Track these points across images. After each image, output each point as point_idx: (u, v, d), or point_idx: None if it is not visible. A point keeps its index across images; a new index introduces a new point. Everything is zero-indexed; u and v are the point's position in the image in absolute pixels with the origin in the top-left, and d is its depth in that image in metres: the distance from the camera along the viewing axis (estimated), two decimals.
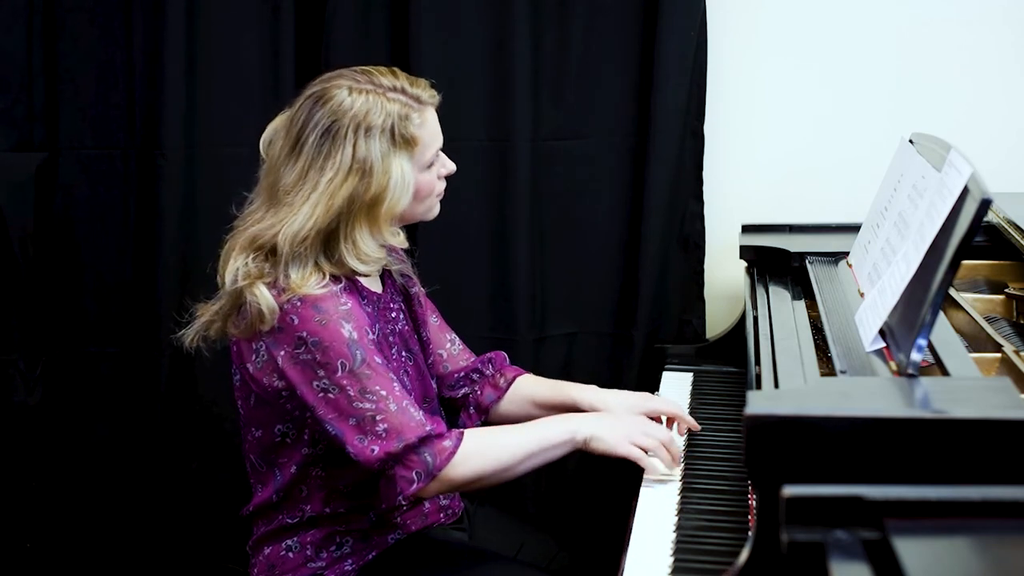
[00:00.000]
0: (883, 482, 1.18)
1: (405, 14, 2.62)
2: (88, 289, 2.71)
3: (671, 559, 1.67)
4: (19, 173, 2.63)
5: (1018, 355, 1.71)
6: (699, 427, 2.07)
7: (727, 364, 2.49)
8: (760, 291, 2.27)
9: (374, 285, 1.99)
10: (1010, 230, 2.13)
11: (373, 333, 1.89)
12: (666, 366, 2.55)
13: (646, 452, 1.90)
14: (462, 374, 2.15)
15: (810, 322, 2.02)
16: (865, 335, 1.72)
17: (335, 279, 1.85)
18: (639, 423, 1.95)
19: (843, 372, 1.65)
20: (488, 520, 2.14)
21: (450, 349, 2.15)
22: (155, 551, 2.77)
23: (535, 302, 2.73)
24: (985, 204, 1.46)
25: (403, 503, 1.83)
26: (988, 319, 1.92)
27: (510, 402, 2.14)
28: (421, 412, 1.83)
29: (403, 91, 1.89)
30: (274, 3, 2.62)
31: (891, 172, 2.09)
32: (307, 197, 1.83)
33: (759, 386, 1.83)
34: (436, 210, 1.99)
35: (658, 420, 2.07)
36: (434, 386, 2.08)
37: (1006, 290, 2.11)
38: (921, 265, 1.58)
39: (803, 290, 2.23)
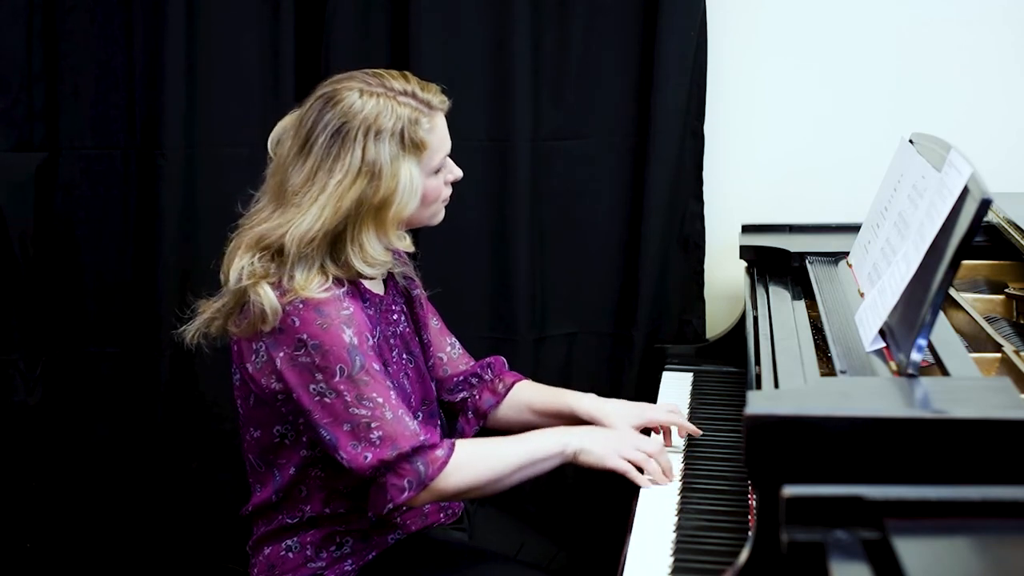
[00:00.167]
0: (883, 482, 1.18)
1: (405, 14, 2.62)
2: (88, 289, 2.71)
3: (671, 559, 1.67)
4: (19, 173, 2.63)
5: (1018, 355, 1.71)
6: (700, 432, 2.06)
7: (727, 364, 2.49)
8: (760, 291, 2.27)
9: (376, 287, 1.99)
10: (1010, 230, 2.13)
11: (373, 338, 1.88)
12: (666, 366, 2.55)
13: (638, 467, 1.90)
14: (461, 378, 2.15)
15: (810, 322, 2.02)
16: (865, 335, 1.72)
17: (338, 282, 1.85)
18: (629, 436, 1.96)
19: (843, 372, 1.65)
20: (488, 520, 2.14)
21: (450, 353, 2.15)
22: (155, 551, 2.77)
23: (535, 302, 2.73)
24: (985, 204, 1.46)
25: (392, 511, 1.82)
26: (988, 319, 1.92)
27: (508, 408, 2.14)
28: (416, 422, 1.83)
29: (414, 95, 1.88)
30: (274, 3, 2.62)
31: (891, 172, 2.09)
32: (315, 198, 1.83)
33: (759, 386, 1.83)
34: (441, 215, 1.99)
35: (657, 430, 2.07)
36: (434, 389, 2.08)
37: (1006, 290, 2.11)
38: (921, 265, 1.58)
39: (803, 290, 2.23)
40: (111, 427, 2.75)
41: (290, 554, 1.94)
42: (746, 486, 1.84)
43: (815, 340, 1.93)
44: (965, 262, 1.93)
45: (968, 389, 1.43)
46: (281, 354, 1.81)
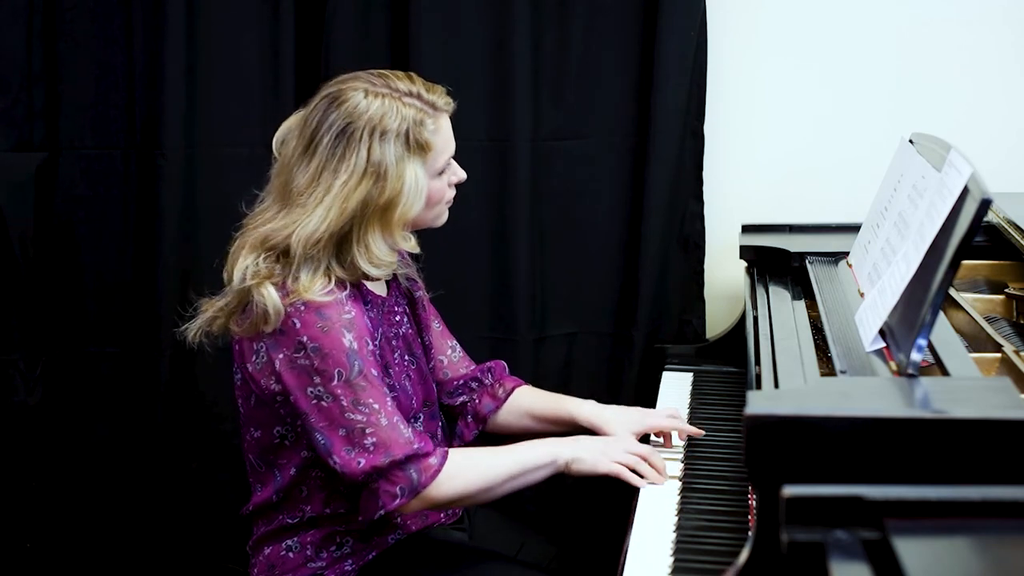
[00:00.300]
0: (883, 482, 1.18)
1: (405, 14, 2.62)
2: (88, 289, 2.71)
3: (671, 559, 1.67)
4: (19, 173, 2.63)
5: (1018, 355, 1.71)
6: (703, 433, 2.06)
7: (727, 364, 2.49)
8: (760, 291, 2.27)
9: (379, 288, 1.99)
10: (1010, 230, 2.13)
11: (374, 342, 1.89)
12: (666, 366, 2.55)
13: (631, 469, 1.91)
14: (461, 382, 2.15)
15: (810, 322, 2.02)
16: (865, 335, 1.72)
17: (341, 285, 1.85)
18: (619, 441, 1.97)
19: (843, 372, 1.65)
20: (488, 520, 2.14)
21: (451, 356, 2.15)
22: (155, 551, 2.76)
23: (535, 302, 2.73)
24: (985, 204, 1.46)
25: (383, 518, 1.82)
26: (988, 319, 1.92)
27: (507, 413, 2.15)
28: (410, 430, 1.83)
29: (419, 96, 1.88)
30: (274, 3, 2.62)
31: (891, 172, 2.09)
32: (320, 199, 1.82)
33: (759, 386, 1.83)
34: (444, 217, 1.99)
35: (658, 434, 2.07)
36: (436, 390, 2.08)
37: (1006, 290, 2.11)
38: (921, 265, 1.58)
39: (803, 290, 2.23)
40: (111, 427, 2.75)
41: (290, 554, 1.94)
42: (746, 486, 1.84)
43: (815, 340, 1.93)
44: (965, 262, 1.93)
45: (968, 389, 1.43)
46: (281, 355, 1.81)
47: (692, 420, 2.19)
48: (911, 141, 2.05)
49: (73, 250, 2.70)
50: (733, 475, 1.93)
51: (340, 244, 1.85)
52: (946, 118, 2.59)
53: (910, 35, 2.67)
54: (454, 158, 1.97)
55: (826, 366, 1.83)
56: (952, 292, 1.95)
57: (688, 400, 2.34)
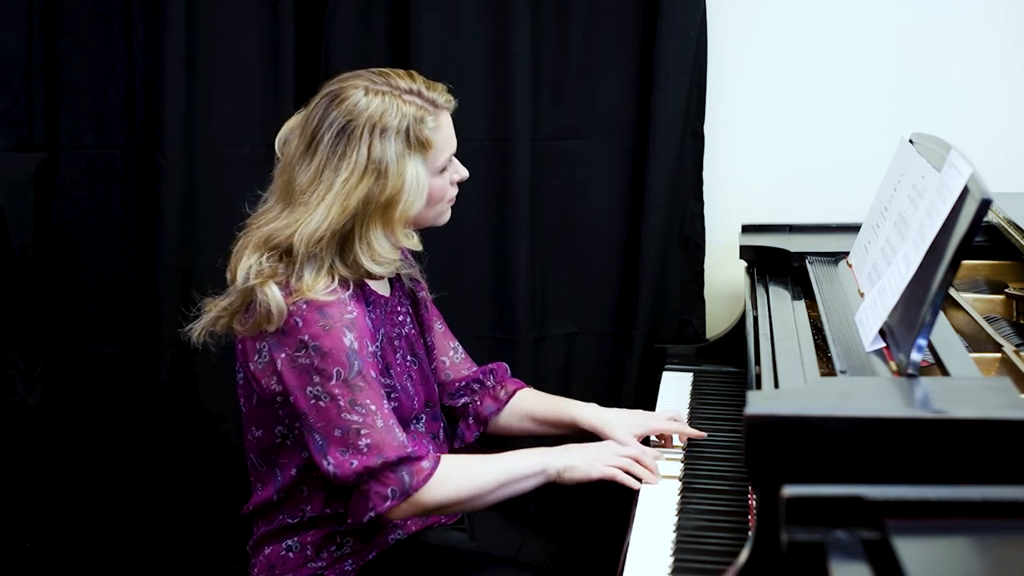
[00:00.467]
0: (883, 482, 1.18)
1: (405, 14, 2.62)
2: (88, 289, 2.71)
3: (671, 559, 1.67)
4: (19, 173, 2.63)
5: (1018, 355, 1.71)
6: (705, 435, 2.06)
7: (727, 364, 2.49)
8: (760, 291, 2.27)
9: (382, 288, 1.99)
10: (1010, 230, 2.13)
11: (375, 344, 1.89)
12: (666, 366, 2.55)
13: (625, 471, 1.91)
14: (463, 384, 2.15)
15: (810, 322, 2.02)
16: (865, 335, 1.72)
17: (344, 285, 1.85)
18: (608, 445, 1.97)
19: (843, 372, 1.65)
20: (488, 520, 2.14)
21: (452, 357, 2.15)
22: (155, 551, 2.76)
23: (535, 302, 2.73)
24: (985, 204, 1.46)
25: (372, 521, 1.82)
26: (988, 319, 1.92)
27: (509, 415, 2.15)
28: (405, 434, 1.83)
29: (419, 94, 1.88)
30: (274, 3, 2.62)
31: (891, 172, 2.09)
32: (322, 197, 1.83)
33: (759, 386, 1.83)
34: (447, 216, 1.99)
35: (660, 436, 2.07)
36: (437, 391, 2.08)
37: (1006, 290, 2.11)
38: (921, 265, 1.58)
39: (803, 290, 2.23)
40: (111, 427, 2.75)
41: (290, 554, 1.94)
42: (746, 486, 1.84)
43: (815, 340, 1.93)
44: (965, 262, 1.93)
45: (968, 389, 1.43)
46: (283, 355, 1.81)
47: (692, 420, 2.19)
48: (911, 141, 2.05)
49: (73, 250, 2.70)
50: (733, 475, 1.93)
51: (343, 242, 1.85)
52: (946, 118, 2.59)
53: (910, 35, 2.67)
54: (456, 156, 1.97)
55: (826, 366, 1.83)
56: (952, 292, 1.95)
57: (688, 400, 2.34)
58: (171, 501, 2.74)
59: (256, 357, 1.86)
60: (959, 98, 2.66)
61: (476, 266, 2.71)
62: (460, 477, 1.84)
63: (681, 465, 1.98)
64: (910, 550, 1.07)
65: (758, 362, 1.91)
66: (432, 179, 1.90)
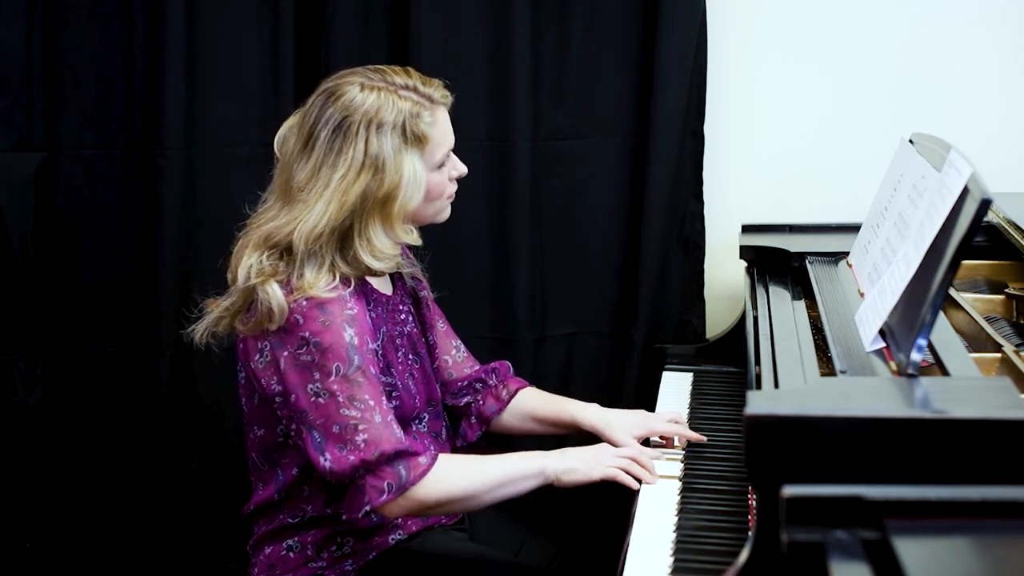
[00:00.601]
0: (883, 482, 1.18)
1: (405, 14, 2.62)
2: (88, 289, 2.71)
3: (671, 559, 1.67)
4: (19, 173, 2.63)
5: (1018, 355, 1.71)
6: (705, 439, 2.06)
7: (727, 364, 2.49)
8: (760, 291, 2.27)
9: (384, 287, 1.99)
10: (1010, 230, 2.13)
11: (376, 342, 1.89)
12: (666, 366, 2.55)
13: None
14: (465, 383, 2.15)
15: (810, 322, 2.02)
16: (865, 335, 1.72)
17: (345, 282, 1.85)
18: (605, 447, 1.97)
19: (843, 372, 1.65)
20: (488, 521, 2.14)
21: (455, 356, 2.15)
22: (155, 551, 2.76)
23: (535, 302, 2.73)
24: (985, 204, 1.46)
25: (368, 516, 1.81)
26: (988, 319, 1.92)
27: (510, 415, 2.15)
28: (402, 432, 1.82)
29: (415, 89, 1.89)
30: (274, 3, 2.62)
31: (891, 172, 2.09)
32: (320, 194, 1.83)
33: (759, 386, 1.83)
34: (447, 212, 1.99)
35: (661, 437, 2.07)
36: (439, 390, 2.08)
37: (1006, 290, 2.11)
38: (921, 265, 1.58)
39: (803, 290, 2.23)
40: (111, 427, 2.75)
41: (291, 554, 1.94)
42: (746, 486, 1.84)
43: (815, 340, 1.93)
44: (965, 262, 1.93)
45: (968, 389, 1.43)
46: (285, 353, 1.81)
47: (692, 420, 2.19)
48: (911, 141, 2.05)
49: (73, 250, 2.70)
50: (733, 475, 1.93)
51: (343, 239, 1.85)
52: (946, 118, 2.59)
53: (910, 35, 2.67)
54: (456, 155, 1.97)
55: (826, 366, 1.83)
56: (952, 292, 1.95)
57: (688, 400, 2.34)
58: (171, 501, 2.74)
59: (258, 356, 1.86)
60: (959, 98, 2.66)
61: (476, 266, 2.71)
62: (457, 475, 1.84)
63: (681, 465, 1.98)
64: (910, 550, 1.07)
65: (758, 362, 1.91)
66: (430, 174, 1.90)
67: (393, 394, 1.90)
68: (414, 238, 1.94)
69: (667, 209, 2.66)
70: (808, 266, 2.26)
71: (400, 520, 1.96)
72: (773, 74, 2.71)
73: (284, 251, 1.85)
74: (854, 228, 2.23)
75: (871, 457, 1.26)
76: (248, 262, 1.85)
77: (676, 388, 2.42)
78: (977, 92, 2.66)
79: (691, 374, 2.49)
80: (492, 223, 2.70)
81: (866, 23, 2.67)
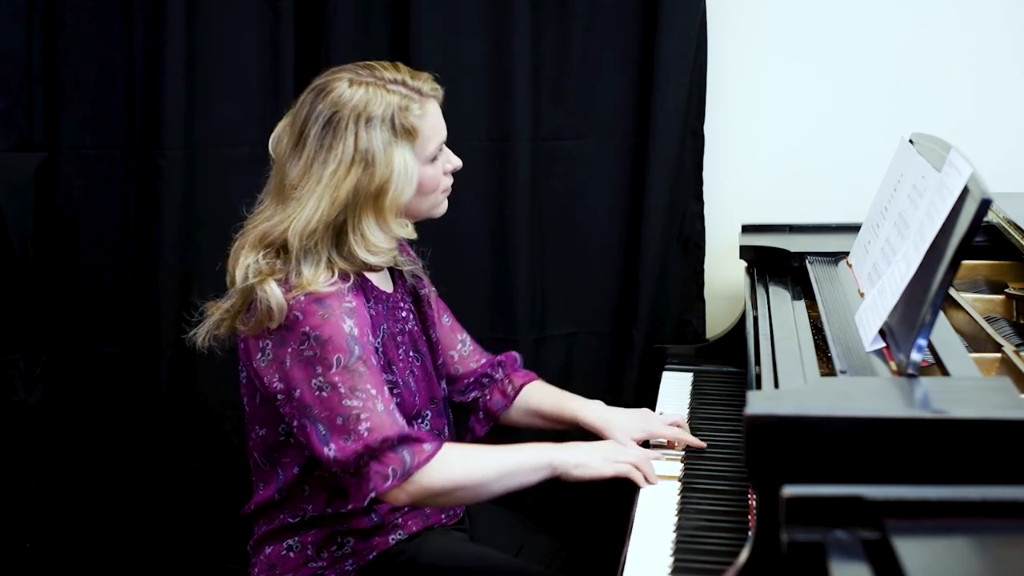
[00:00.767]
0: (883, 482, 1.18)
1: (405, 14, 2.62)
2: (88, 289, 2.71)
3: (671, 559, 1.67)
4: (19, 173, 2.63)
5: (1018, 355, 1.70)
6: (704, 445, 2.06)
7: (727, 364, 2.49)
8: (760, 291, 2.27)
9: (385, 285, 1.99)
10: (1010, 230, 2.13)
11: (375, 337, 1.89)
12: (666, 366, 2.55)
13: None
14: (472, 379, 2.16)
15: (810, 322, 2.02)
16: (865, 335, 1.72)
17: (344, 277, 1.86)
18: (614, 445, 1.97)
19: (843, 372, 1.65)
20: (489, 521, 2.14)
21: (461, 350, 2.16)
22: (155, 551, 2.76)
23: (535, 302, 2.73)
24: (985, 204, 1.46)
25: (371, 513, 1.81)
26: (988, 319, 1.92)
27: (515, 410, 2.16)
28: (405, 421, 1.82)
29: (403, 83, 1.89)
30: (274, 3, 2.62)
31: (891, 172, 2.09)
32: (312, 191, 1.83)
33: (759, 386, 1.83)
34: (443, 207, 1.99)
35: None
36: (442, 388, 2.07)
37: (1006, 290, 2.11)
38: (921, 265, 1.58)
39: (803, 290, 2.23)
40: (111, 427, 2.75)
41: (291, 553, 1.94)
42: (746, 486, 1.84)
43: (815, 340, 1.93)
44: (965, 262, 1.93)
45: (968, 389, 1.43)
46: (288, 350, 1.81)
47: (692, 420, 2.19)
48: (911, 141, 2.05)
49: (73, 250, 2.70)
50: (733, 475, 1.93)
51: (338, 234, 1.85)
52: (946, 118, 2.59)
53: (910, 35, 2.67)
54: (454, 152, 1.97)
55: (826, 366, 1.83)
56: (952, 292, 1.95)
57: (688, 400, 2.34)
58: (171, 501, 2.74)
59: (259, 355, 1.86)
60: (959, 98, 2.66)
61: (476, 266, 2.71)
62: (462, 463, 1.83)
63: (681, 465, 1.98)
64: (910, 550, 1.07)
65: (758, 362, 1.91)
66: (423, 168, 1.90)
67: (394, 391, 1.90)
68: (408, 231, 1.94)
69: (667, 209, 2.66)
70: (808, 266, 2.26)
71: (400, 520, 1.96)
72: (773, 74, 2.71)
73: (280, 249, 1.85)
74: (854, 228, 2.23)
75: (871, 457, 1.26)
76: (245, 262, 1.85)
77: (676, 388, 2.42)
78: (977, 92, 2.66)
79: (691, 374, 2.49)
80: (492, 223, 2.70)
81: (866, 23, 2.67)
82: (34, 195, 2.64)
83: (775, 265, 2.37)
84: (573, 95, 2.68)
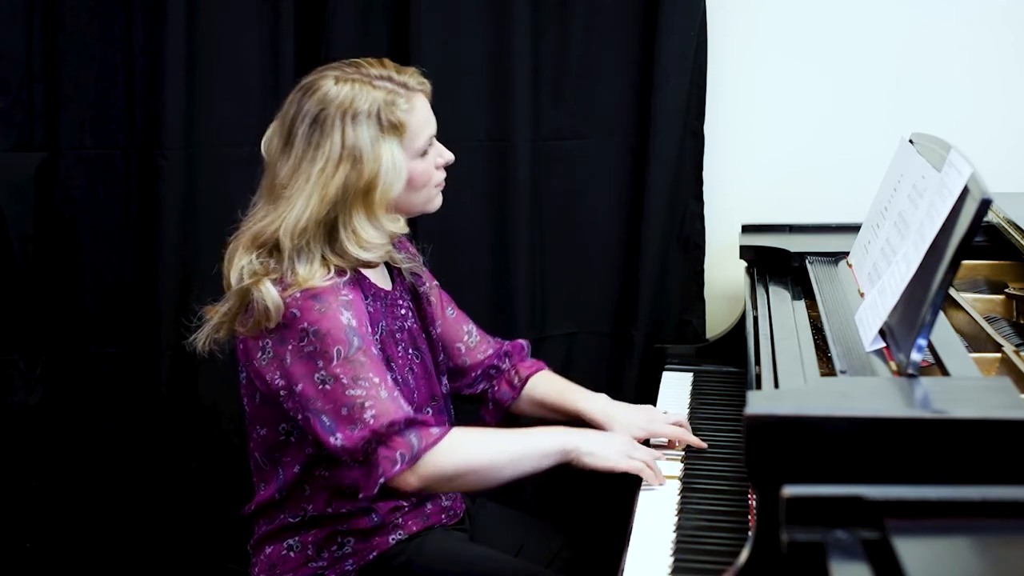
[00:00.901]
0: (883, 482, 1.18)
1: (405, 14, 2.62)
2: (88, 289, 2.71)
3: (671, 559, 1.67)
4: (19, 173, 2.63)
5: (1018, 355, 1.71)
6: (705, 445, 2.06)
7: (727, 364, 2.49)
8: (760, 291, 2.27)
9: (383, 282, 1.99)
10: (1010, 230, 2.13)
11: (375, 330, 1.89)
12: (666, 366, 2.55)
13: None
14: (479, 371, 2.16)
15: (810, 322, 2.02)
16: (865, 335, 1.72)
17: (340, 273, 1.86)
18: (630, 440, 1.96)
19: (843, 372, 1.65)
20: (489, 521, 2.14)
21: (467, 341, 2.16)
22: (155, 551, 2.76)
23: (535, 302, 2.73)
24: (985, 204, 1.46)
25: (383, 490, 1.80)
26: (988, 319, 1.92)
27: (522, 400, 2.17)
28: (409, 407, 1.82)
29: (390, 79, 1.90)
30: (274, 3, 2.62)
31: (891, 172, 2.09)
32: (302, 189, 1.84)
33: (759, 386, 1.83)
34: (438, 201, 1.99)
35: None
36: (442, 385, 2.07)
37: (1006, 290, 2.11)
38: (921, 265, 1.58)
39: (803, 290, 2.23)
40: (111, 427, 2.75)
41: (291, 553, 1.94)
42: (746, 486, 1.84)
43: (815, 340, 1.93)
44: (965, 262, 1.93)
45: (968, 389, 1.43)
46: (289, 347, 1.81)
47: (692, 420, 2.19)
48: (911, 141, 2.05)
49: (73, 250, 2.70)
50: (733, 475, 1.93)
51: (330, 231, 1.86)
52: (946, 118, 2.59)
53: (910, 35, 2.67)
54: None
55: (826, 366, 1.83)
56: (952, 292, 1.95)
57: (688, 400, 2.34)
58: (171, 501, 2.74)
59: (259, 355, 1.86)
60: (959, 98, 2.66)
61: (476, 266, 2.71)
62: (472, 445, 1.83)
63: (681, 465, 1.98)
64: (910, 550, 1.07)
65: (758, 362, 1.91)
66: (413, 162, 1.90)
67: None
68: (401, 227, 1.93)
69: (667, 209, 2.66)
70: (808, 266, 2.26)
71: (401, 520, 1.96)
72: (773, 74, 2.71)
73: (273, 249, 1.85)
74: (854, 228, 2.23)
75: (871, 457, 1.26)
76: (239, 264, 1.85)
77: (676, 388, 2.42)
78: (977, 92, 2.66)
79: (691, 374, 2.49)
80: (492, 223, 2.70)
81: (866, 23, 2.67)
82: (34, 195, 2.64)
83: (775, 265, 2.38)
84: (573, 95, 2.68)
